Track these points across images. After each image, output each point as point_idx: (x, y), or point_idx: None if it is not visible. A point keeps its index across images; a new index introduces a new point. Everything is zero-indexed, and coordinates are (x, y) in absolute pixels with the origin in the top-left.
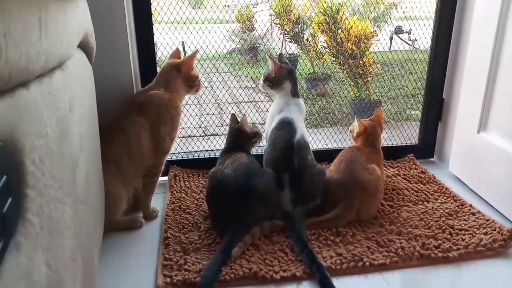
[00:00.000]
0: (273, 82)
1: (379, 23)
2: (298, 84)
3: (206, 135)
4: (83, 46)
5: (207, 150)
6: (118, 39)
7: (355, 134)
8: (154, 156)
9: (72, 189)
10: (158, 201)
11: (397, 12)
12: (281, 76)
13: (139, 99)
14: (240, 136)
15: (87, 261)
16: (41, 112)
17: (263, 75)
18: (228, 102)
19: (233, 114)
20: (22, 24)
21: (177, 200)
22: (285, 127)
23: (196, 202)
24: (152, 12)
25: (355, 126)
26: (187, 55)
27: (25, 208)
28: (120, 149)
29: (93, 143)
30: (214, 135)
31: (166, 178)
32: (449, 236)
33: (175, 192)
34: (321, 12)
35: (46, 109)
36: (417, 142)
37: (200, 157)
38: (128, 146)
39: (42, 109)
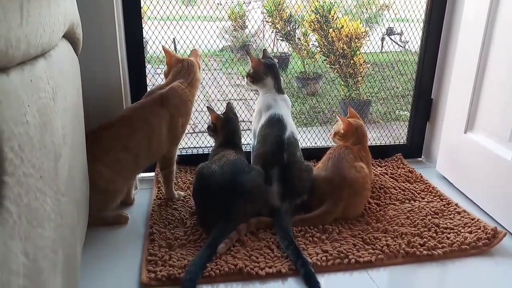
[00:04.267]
0: (253, 77)
1: (371, 24)
2: (281, 79)
3: (195, 132)
4: (69, 36)
5: (195, 147)
6: (105, 32)
7: (340, 134)
8: (167, 147)
9: (53, 180)
10: (144, 197)
11: (389, 13)
12: (260, 71)
13: (161, 91)
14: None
15: (68, 253)
16: (22, 100)
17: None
18: (218, 99)
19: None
20: (1, 8)
21: (163, 196)
22: (275, 123)
23: (182, 198)
24: (143, 8)
25: (339, 125)
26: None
27: (2, 195)
28: (143, 140)
29: (78, 135)
30: (203, 132)
31: (153, 174)
32: (434, 235)
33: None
34: (313, 11)
35: (27, 97)
36: (405, 141)
37: (188, 153)
38: (151, 137)
39: (23, 96)
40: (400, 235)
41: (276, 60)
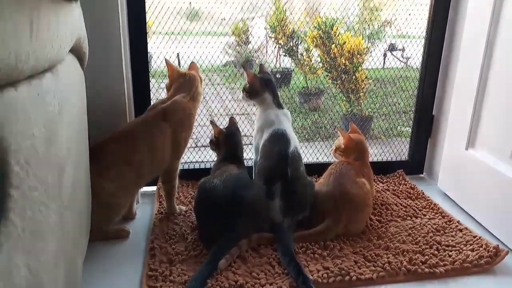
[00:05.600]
0: (249, 91)
1: (373, 40)
2: (278, 94)
3: (197, 146)
4: (76, 51)
5: (197, 161)
6: (111, 46)
7: (341, 149)
8: (170, 161)
9: (57, 193)
10: (146, 211)
11: (391, 30)
12: (256, 86)
13: (164, 105)
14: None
15: (70, 268)
16: (29, 113)
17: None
18: (221, 114)
19: (212, 121)
20: (12, 24)
21: (165, 210)
22: (279, 138)
23: (184, 212)
24: (148, 22)
25: (340, 140)
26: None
27: (7, 208)
28: (145, 154)
29: (82, 149)
30: (206, 146)
31: (155, 188)
32: (436, 252)
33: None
34: (315, 27)
35: (34, 110)
36: (407, 158)
37: (190, 167)
38: (153, 151)
39: (30, 110)
40: (401, 252)
41: (278, 75)
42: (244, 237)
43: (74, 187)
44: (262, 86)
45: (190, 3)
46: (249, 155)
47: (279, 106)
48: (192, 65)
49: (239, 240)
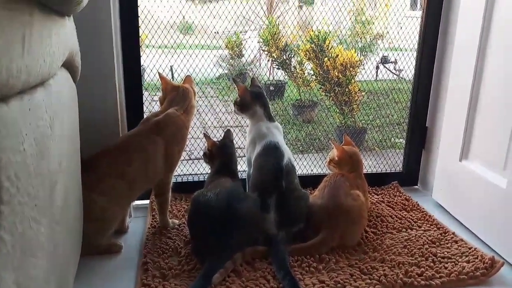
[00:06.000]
0: (240, 105)
1: (365, 53)
2: (270, 107)
3: (190, 158)
4: (68, 65)
5: (190, 174)
6: (104, 60)
7: (335, 162)
8: (163, 174)
9: (48, 208)
10: (138, 225)
11: (383, 43)
12: (247, 99)
13: (157, 118)
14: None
15: (61, 283)
16: (20, 128)
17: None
18: (214, 126)
19: (205, 134)
20: (4, 39)
21: (158, 224)
22: (272, 151)
23: (177, 226)
24: (141, 36)
25: (334, 153)
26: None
27: None
28: (138, 167)
29: (74, 164)
30: (199, 158)
31: (147, 201)
32: (432, 264)
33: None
34: (308, 40)
35: (25, 125)
36: (401, 169)
37: (183, 180)
38: (146, 165)
39: (21, 125)
40: (397, 265)
41: (271, 88)
42: (238, 250)
43: (66, 202)
44: (252, 100)
45: (183, 17)
46: (243, 167)
47: (270, 119)
48: (187, 79)
49: (233, 254)
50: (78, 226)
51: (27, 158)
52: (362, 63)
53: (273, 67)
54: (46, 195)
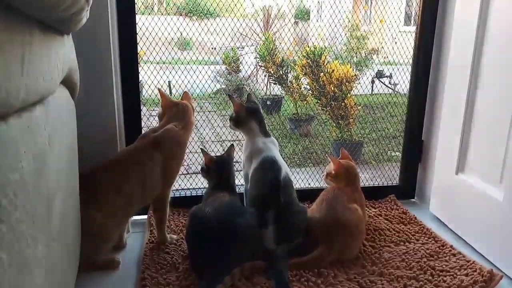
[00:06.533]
0: (235, 121)
1: (360, 68)
2: (265, 123)
3: (188, 173)
4: (67, 82)
5: (188, 188)
6: (103, 76)
7: (332, 175)
8: (161, 189)
9: (46, 225)
10: (136, 240)
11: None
12: (242, 115)
13: (155, 133)
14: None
15: None
16: (18, 146)
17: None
18: (212, 141)
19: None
20: (3, 59)
21: (156, 239)
22: (270, 165)
23: (175, 241)
24: (139, 52)
25: (330, 166)
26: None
27: None
28: (136, 183)
29: (72, 180)
30: (197, 173)
31: (145, 216)
32: (430, 277)
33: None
34: (304, 56)
35: (24, 143)
36: (398, 182)
37: (181, 195)
38: (144, 180)
39: (19, 143)
40: (396, 279)
41: (268, 102)
42: (237, 265)
43: (63, 218)
44: (248, 115)
45: (181, 33)
46: (241, 181)
47: (266, 134)
48: (185, 95)
49: (232, 269)
50: (76, 242)
51: (25, 175)
52: (358, 78)
53: (269, 82)
54: (44, 212)
